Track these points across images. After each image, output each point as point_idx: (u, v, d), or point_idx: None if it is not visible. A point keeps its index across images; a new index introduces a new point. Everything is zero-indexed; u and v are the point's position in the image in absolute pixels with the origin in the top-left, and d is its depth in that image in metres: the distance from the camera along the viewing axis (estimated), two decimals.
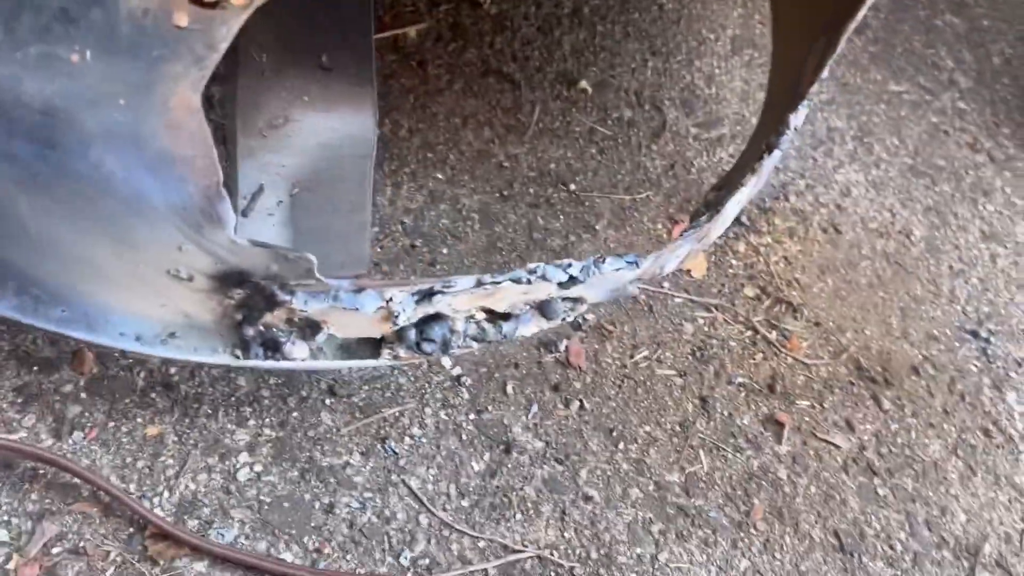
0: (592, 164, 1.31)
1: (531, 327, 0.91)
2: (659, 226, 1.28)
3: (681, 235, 0.94)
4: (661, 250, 0.91)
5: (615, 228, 1.25)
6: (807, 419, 1.15)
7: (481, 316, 0.88)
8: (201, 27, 0.70)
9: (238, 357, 0.82)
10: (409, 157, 1.22)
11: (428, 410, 1.03)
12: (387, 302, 0.81)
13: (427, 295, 0.82)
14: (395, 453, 0.98)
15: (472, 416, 1.04)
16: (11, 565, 0.81)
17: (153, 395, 0.94)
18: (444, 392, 1.04)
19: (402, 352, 0.86)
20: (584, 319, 1.15)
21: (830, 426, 1.15)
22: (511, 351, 1.10)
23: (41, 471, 0.86)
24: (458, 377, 1.06)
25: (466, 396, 1.05)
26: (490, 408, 1.05)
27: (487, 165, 1.26)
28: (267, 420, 0.96)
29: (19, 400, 0.90)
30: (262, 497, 0.91)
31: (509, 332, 0.90)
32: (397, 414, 1.01)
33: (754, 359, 1.19)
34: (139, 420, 0.92)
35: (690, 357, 1.17)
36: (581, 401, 1.08)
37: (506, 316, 0.90)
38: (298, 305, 0.78)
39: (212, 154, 0.67)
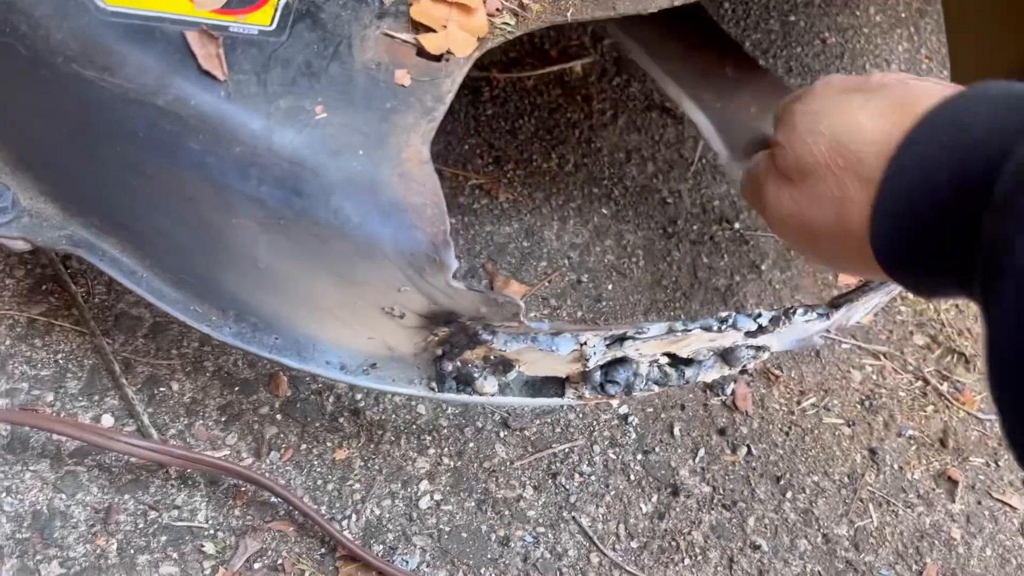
0: None
1: (712, 373, 0.91)
2: (821, 272, 1.26)
3: (866, 287, 0.92)
4: (853, 302, 0.89)
5: (780, 269, 1.23)
6: (981, 477, 1.11)
7: (664, 360, 0.89)
8: (428, 79, 0.73)
9: (433, 389, 0.85)
10: (575, 192, 1.23)
11: (596, 448, 1.03)
12: (581, 345, 0.82)
13: (619, 340, 0.83)
14: (565, 489, 0.99)
15: (639, 456, 1.04)
16: None
17: (341, 420, 0.98)
18: (612, 431, 1.05)
19: (586, 393, 0.87)
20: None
21: (1006, 486, 1.11)
22: (677, 393, 1.09)
23: (243, 488, 0.91)
24: (625, 416, 1.06)
25: (633, 436, 1.05)
26: (657, 449, 1.05)
27: (650, 201, 1.26)
28: (445, 449, 0.99)
29: (223, 419, 0.95)
30: (441, 526, 0.94)
31: (691, 377, 0.90)
32: (567, 450, 1.02)
33: (925, 411, 1.15)
34: (328, 444, 0.96)
35: (858, 406, 1.14)
36: (748, 447, 1.07)
37: (688, 361, 0.90)
38: (498, 345, 0.80)
39: (441, 204, 0.70)
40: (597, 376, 0.87)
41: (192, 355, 0.98)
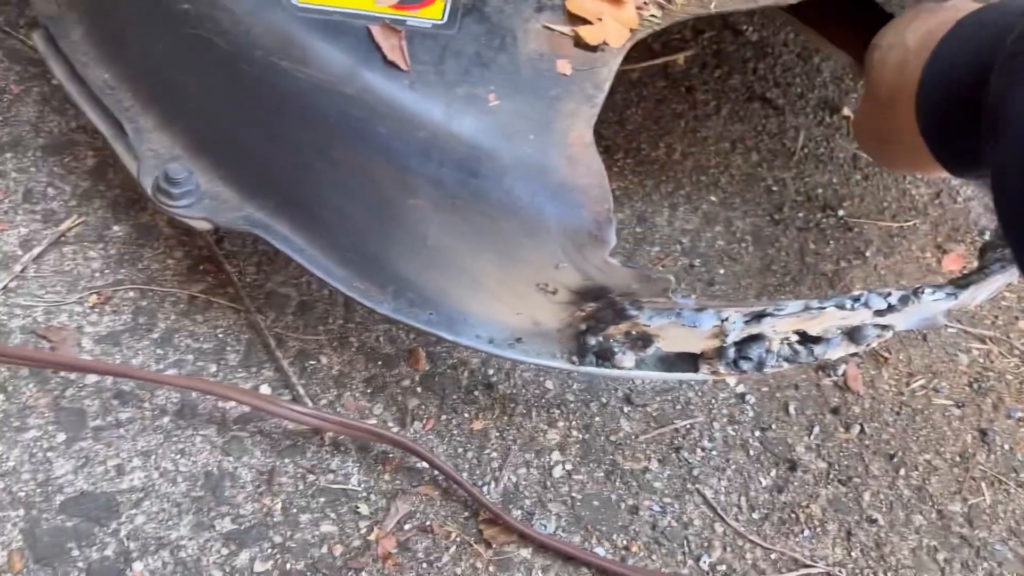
0: (858, 190, 1.33)
1: (839, 351, 0.95)
2: (927, 254, 1.29)
3: (991, 266, 0.95)
4: (980, 282, 0.92)
5: (884, 255, 1.26)
6: None
7: (795, 338, 0.93)
8: (587, 68, 0.78)
9: (574, 363, 0.90)
10: (684, 180, 1.28)
11: (716, 424, 1.08)
12: (723, 321, 0.86)
13: (758, 316, 0.87)
14: (688, 463, 1.04)
15: (757, 433, 1.08)
16: (372, 536, 0.91)
17: (476, 393, 1.03)
18: (730, 408, 1.09)
19: (721, 368, 0.92)
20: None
21: None
22: (790, 373, 1.13)
23: (391, 454, 0.97)
24: (742, 395, 1.10)
25: (751, 414, 1.09)
26: (774, 426, 1.09)
27: (756, 189, 1.30)
28: (574, 422, 1.04)
29: (369, 391, 1.01)
30: (574, 494, 0.99)
31: (819, 354, 0.94)
32: (688, 426, 1.06)
33: None
34: (466, 415, 1.01)
35: (967, 388, 1.17)
36: (861, 425, 1.10)
37: (817, 339, 0.94)
38: (643, 320, 0.85)
39: (605, 184, 0.74)
40: (731, 352, 0.91)
41: (337, 331, 1.04)
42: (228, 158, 0.85)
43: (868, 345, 0.96)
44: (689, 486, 1.02)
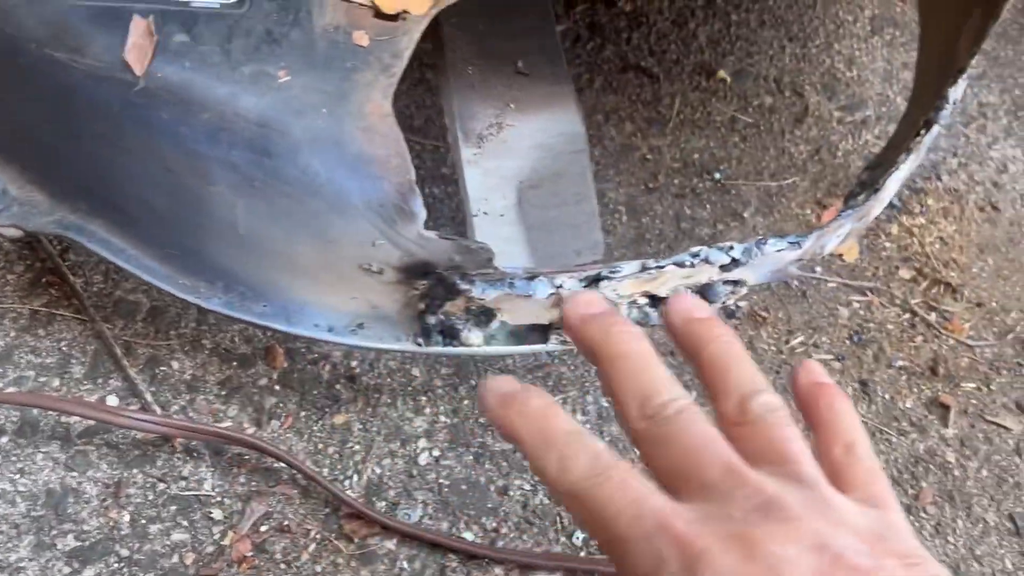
0: (735, 152, 1.31)
1: None
2: (808, 211, 1.28)
3: (839, 214, 0.94)
4: (823, 229, 0.91)
5: (763, 215, 1.25)
6: (974, 401, 1.12)
7: (643, 301, 0.91)
8: (386, 38, 0.76)
9: (420, 344, 0.88)
10: None
11: (589, 398, 1.06)
12: (557, 288, 0.84)
13: (594, 280, 0.85)
14: None
15: None
16: (227, 541, 0.88)
17: (338, 387, 1.01)
18: None
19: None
20: (738, 306, 1.16)
21: (999, 408, 1.12)
22: (664, 339, 1.11)
23: (246, 456, 0.94)
24: None
25: None
26: None
27: (631, 158, 1.28)
28: (441, 408, 1.02)
29: (223, 393, 0.98)
30: (441, 480, 0.96)
31: None
32: (560, 401, 1.04)
33: (914, 342, 1.17)
34: (327, 410, 0.99)
35: (847, 342, 1.16)
36: None
37: (667, 299, 0.92)
38: (476, 293, 0.83)
39: (405, 154, 0.72)
40: None
41: (190, 335, 1.01)
42: (33, 162, 0.82)
43: (724, 303, 0.95)
44: None
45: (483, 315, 0.88)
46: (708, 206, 1.25)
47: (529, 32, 1.01)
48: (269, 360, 1.01)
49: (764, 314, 1.16)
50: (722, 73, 1.40)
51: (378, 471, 0.97)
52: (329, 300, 0.86)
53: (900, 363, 1.16)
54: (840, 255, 1.25)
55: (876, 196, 0.93)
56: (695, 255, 0.87)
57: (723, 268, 0.90)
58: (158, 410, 0.95)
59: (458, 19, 0.99)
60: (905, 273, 1.25)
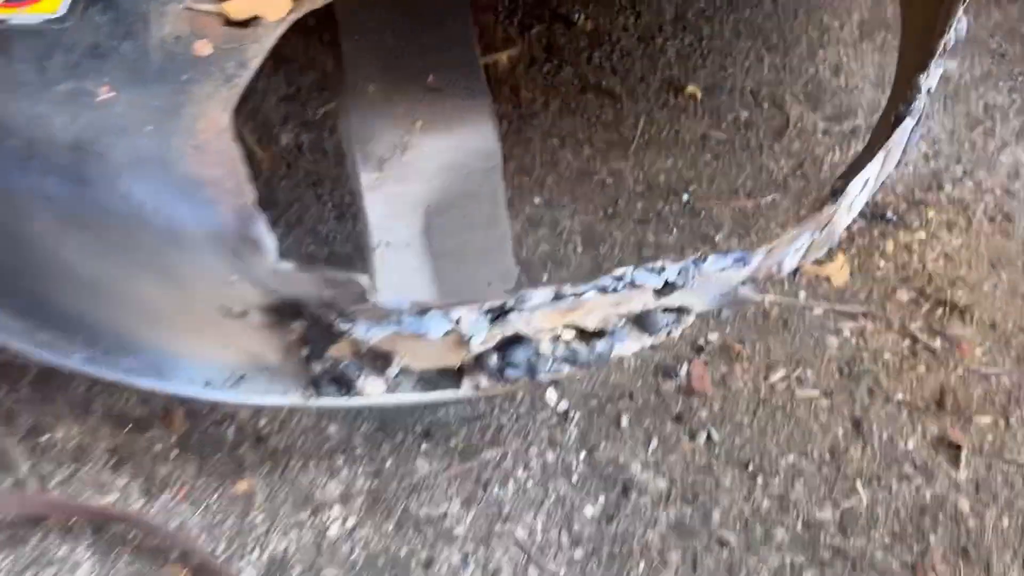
0: (707, 171, 1.19)
1: (630, 344, 0.80)
2: None
3: (796, 225, 0.81)
4: (774, 241, 0.78)
5: (738, 237, 1.12)
6: (990, 438, 0.96)
7: (570, 335, 0.78)
8: (233, 47, 0.67)
9: (309, 396, 0.76)
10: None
11: (533, 450, 0.93)
12: (455, 323, 0.72)
13: (499, 313, 0.73)
14: (498, 500, 0.89)
15: (583, 455, 0.93)
16: None
17: (242, 450, 0.90)
18: (550, 430, 0.94)
19: (484, 381, 0.77)
20: (707, 340, 1.02)
21: (1019, 445, 0.96)
22: (623, 381, 0.98)
23: (131, 535, 0.83)
24: (565, 412, 0.95)
25: (575, 433, 0.94)
26: (603, 445, 0.93)
27: (588, 184, 1.16)
28: (360, 470, 0.90)
29: (112, 461, 0.87)
30: (355, 554, 0.84)
31: (604, 351, 0.79)
32: (499, 456, 0.92)
33: (915, 372, 1.01)
34: (228, 477, 0.87)
35: (837, 375, 1.01)
36: (709, 432, 0.95)
37: (599, 333, 0.79)
38: (359, 334, 0.71)
39: (241, 173, 0.62)
40: (493, 360, 0.77)
41: (80, 398, 0.91)
42: None
43: (669, 334, 0.82)
44: (498, 527, 0.87)
45: (379, 360, 0.76)
46: (675, 230, 1.13)
47: (444, 45, 0.91)
48: (167, 423, 0.91)
49: (738, 346, 1.02)
50: (692, 88, 1.28)
51: (283, 545, 0.84)
52: (200, 351, 0.75)
53: (900, 397, 1.01)
54: (827, 278, 1.11)
55: (840, 200, 0.80)
56: (619, 278, 0.75)
57: (658, 293, 0.77)
58: (33, 484, 0.85)
59: (362, 35, 0.90)
60: (904, 295, 1.10)
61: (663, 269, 0.76)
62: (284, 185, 1.11)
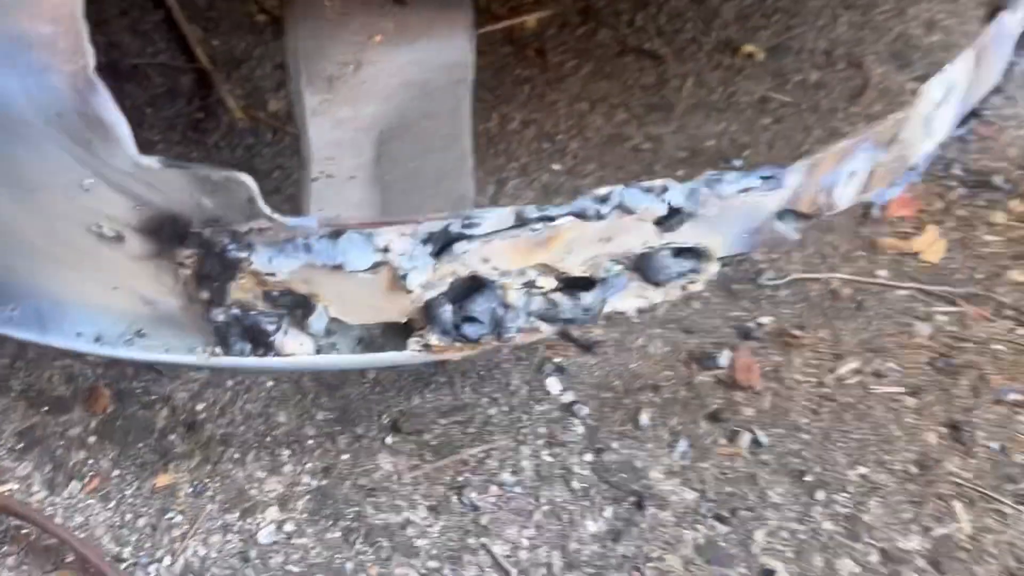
0: (766, 136, 0.99)
1: (628, 298, 0.62)
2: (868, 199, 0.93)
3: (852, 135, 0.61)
4: (817, 155, 0.58)
5: None
6: None
7: (549, 283, 0.60)
8: None
9: (217, 355, 0.60)
10: (519, 151, 0.98)
11: (526, 449, 0.74)
12: (383, 253, 0.55)
13: (446, 241, 0.56)
14: (475, 507, 0.70)
15: (588, 457, 0.73)
16: None
17: (172, 437, 0.74)
18: (549, 425, 0.75)
19: (434, 339, 0.60)
20: (758, 323, 0.82)
21: None
22: (647, 369, 0.79)
23: (25, 530, 0.68)
24: (570, 405, 0.76)
25: (581, 430, 0.75)
26: (615, 446, 0.74)
27: (620, 150, 0.98)
28: (308, 465, 0.73)
29: (19, 446, 0.74)
30: (289, 566, 0.67)
31: (592, 305, 0.60)
32: (482, 455, 0.73)
33: None
34: (149, 468, 0.72)
35: (927, 368, 0.78)
36: (754, 434, 0.74)
37: (586, 282, 0.61)
38: (261, 264, 0.55)
39: (79, 29, 0.48)
40: (447, 312, 0.60)
41: None
42: None
43: (683, 285, 0.62)
44: (472, 541, 0.68)
45: (298, 307, 0.60)
46: None
47: None
48: (91, 403, 0.76)
49: (797, 332, 0.81)
50: (750, 48, 1.09)
51: (202, 552, 0.68)
52: (88, 295, 0.60)
53: (1014, 397, 0.77)
54: (916, 254, 0.89)
55: (911, 112, 0.60)
56: (603, 199, 0.56)
57: (662, 225, 0.59)
58: None
59: None
60: (1018, 274, 0.86)
61: (665, 189, 0.58)
62: (267, 152, 0.98)
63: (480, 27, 1.13)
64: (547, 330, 0.62)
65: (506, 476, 0.72)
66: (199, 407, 0.76)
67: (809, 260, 0.88)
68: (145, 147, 0.99)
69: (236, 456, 0.73)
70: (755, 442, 0.74)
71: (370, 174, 0.66)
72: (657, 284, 0.61)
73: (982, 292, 0.84)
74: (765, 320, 0.82)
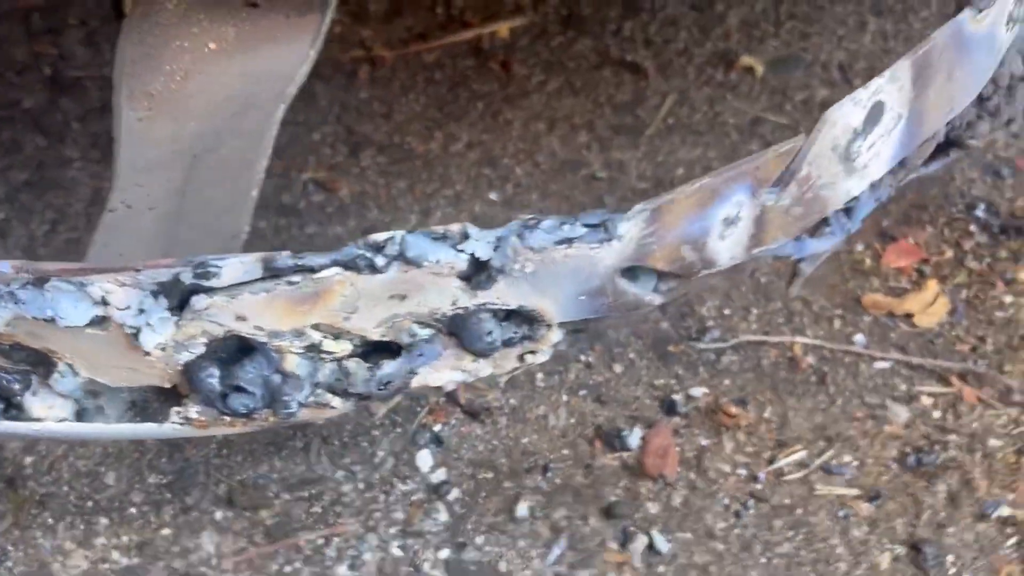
0: None
1: (446, 370, 0.49)
2: (859, 246, 0.76)
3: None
4: (666, 196, 0.43)
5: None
6: None
7: (341, 348, 0.48)
8: None
9: None
10: (456, 176, 0.86)
11: (373, 538, 0.61)
12: (104, 306, 0.45)
13: (182, 292, 0.45)
14: None
15: (444, 554, 0.60)
16: None
17: None
18: (408, 510, 0.62)
19: (195, 412, 0.49)
20: (688, 396, 0.67)
21: None
22: (542, 445, 0.65)
23: None
24: (439, 486, 0.63)
25: (444, 519, 0.62)
26: (480, 541, 0.60)
27: (572, 178, 0.85)
28: (124, 539, 0.63)
29: None
30: None
31: (394, 376, 0.48)
32: (321, 541, 0.61)
33: None
34: None
35: (895, 466, 0.61)
36: (651, 539, 0.59)
37: (394, 348, 0.49)
38: None
39: None
40: (211, 380, 0.49)
41: None
42: None
43: (524, 357, 0.49)
44: None
45: (40, 364, 0.50)
46: None
47: None
48: None
49: (735, 409, 0.66)
50: (749, 61, 0.93)
51: None
52: None
53: (1006, 512, 0.59)
54: (908, 315, 0.71)
55: (799, 141, 0.45)
56: (377, 248, 0.44)
57: (468, 280, 0.46)
58: None
59: None
60: None
61: (465, 236, 0.45)
62: None
63: (444, 37, 1.04)
64: (342, 406, 0.50)
65: (342, 570, 0.60)
66: (27, 460, 0.68)
67: (771, 318, 0.72)
68: (64, 164, 0.96)
69: (50, 522, 0.64)
70: (652, 549, 0.59)
71: (171, 205, 0.56)
72: (478, 351, 0.49)
73: (985, 370, 0.66)
74: (697, 392, 0.67)
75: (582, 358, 0.71)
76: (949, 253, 0.74)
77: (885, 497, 0.60)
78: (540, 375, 0.70)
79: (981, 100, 0.60)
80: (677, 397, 0.67)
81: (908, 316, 0.70)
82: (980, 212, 0.77)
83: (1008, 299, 0.70)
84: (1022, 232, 0.74)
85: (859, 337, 0.69)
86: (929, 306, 0.70)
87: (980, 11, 0.49)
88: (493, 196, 0.85)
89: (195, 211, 0.54)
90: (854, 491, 0.60)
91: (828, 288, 0.73)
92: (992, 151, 0.82)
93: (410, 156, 0.91)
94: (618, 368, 0.70)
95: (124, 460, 0.68)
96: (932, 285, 0.71)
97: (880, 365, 0.67)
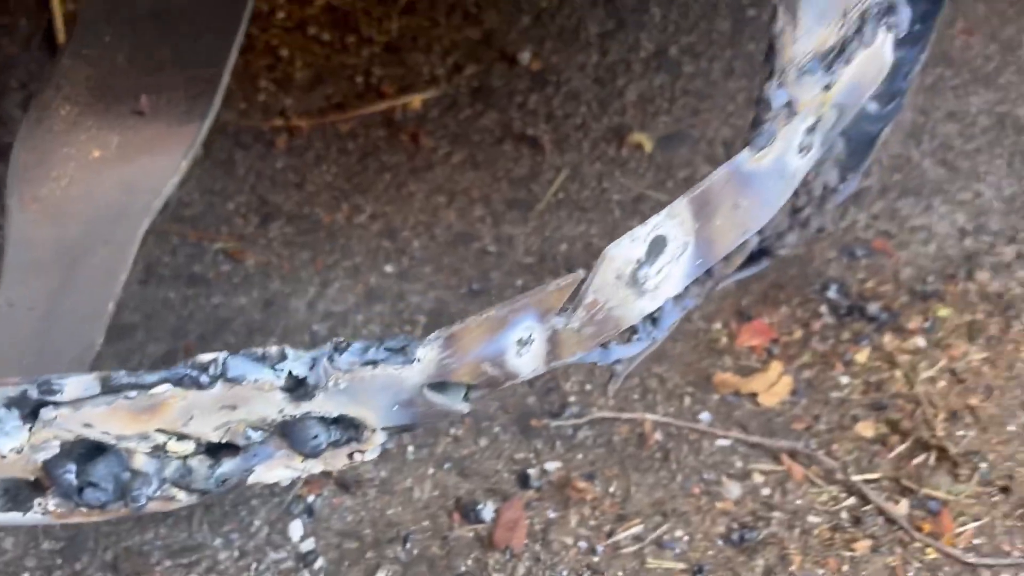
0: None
1: (279, 468, 0.54)
2: (717, 325, 0.81)
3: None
4: (454, 328, 0.49)
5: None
6: None
7: (184, 448, 0.54)
8: None
9: None
10: (357, 248, 0.92)
11: None
12: None
13: (31, 405, 0.50)
14: None
15: None
16: None
17: None
18: None
19: (52, 505, 0.54)
20: (543, 470, 0.72)
21: None
22: (405, 517, 0.70)
23: None
24: (306, 555, 0.69)
25: None
26: None
27: (464, 252, 0.90)
28: None
29: None
30: None
31: (231, 474, 0.54)
32: None
33: (853, 549, 0.65)
34: None
35: (720, 541, 0.67)
36: None
37: (232, 448, 0.54)
38: None
39: None
40: (69, 476, 0.54)
41: None
42: None
43: (350, 458, 0.55)
44: None
45: None
46: None
47: (186, 62, 0.72)
48: None
49: (584, 484, 0.71)
50: (639, 138, 0.99)
51: None
52: None
53: None
54: (752, 394, 0.77)
55: (577, 278, 0.50)
56: (202, 368, 0.49)
57: (292, 392, 0.51)
58: None
59: (92, 49, 0.73)
60: (868, 429, 0.73)
61: (283, 357, 0.50)
62: None
63: (360, 108, 1.09)
64: (186, 499, 0.56)
65: None
66: None
67: (627, 394, 0.78)
68: None
69: None
70: None
71: (49, 306, 0.61)
72: (305, 453, 0.54)
73: (814, 449, 0.71)
74: (551, 466, 0.73)
75: (451, 431, 0.77)
76: (799, 333, 0.80)
77: (707, 572, 0.65)
78: (411, 448, 0.76)
79: (794, 211, 0.66)
80: (532, 471, 0.73)
81: (753, 395, 0.76)
82: (832, 293, 0.83)
83: (844, 380, 0.76)
84: (865, 313, 0.80)
85: (705, 415, 0.75)
86: (772, 386, 0.76)
87: (760, 150, 0.55)
88: (389, 269, 0.91)
89: (66, 315, 0.60)
90: (681, 565, 0.66)
91: (684, 366, 0.79)
92: (852, 232, 0.89)
93: (316, 227, 0.96)
94: (483, 442, 0.76)
95: (20, 529, 0.73)
96: (777, 366, 0.77)
97: (721, 443, 0.73)
